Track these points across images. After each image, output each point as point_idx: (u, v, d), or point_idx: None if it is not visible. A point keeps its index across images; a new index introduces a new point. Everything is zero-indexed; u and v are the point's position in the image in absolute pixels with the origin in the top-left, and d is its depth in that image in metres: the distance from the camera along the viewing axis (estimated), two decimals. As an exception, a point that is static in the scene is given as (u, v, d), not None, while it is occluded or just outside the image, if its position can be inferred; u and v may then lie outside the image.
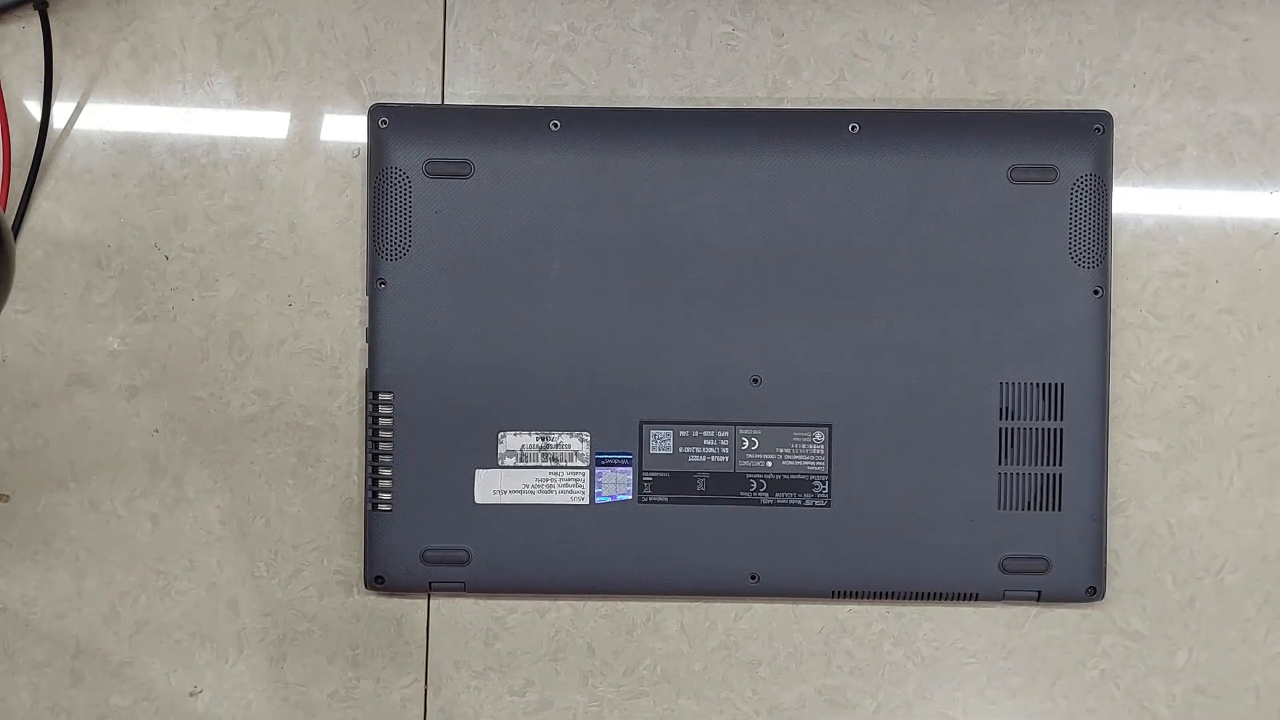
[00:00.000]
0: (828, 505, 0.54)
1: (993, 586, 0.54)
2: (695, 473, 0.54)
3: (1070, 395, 0.54)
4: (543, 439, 0.54)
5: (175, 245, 0.56)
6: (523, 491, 0.54)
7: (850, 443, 0.54)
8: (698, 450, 0.54)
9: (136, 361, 0.56)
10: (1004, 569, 0.54)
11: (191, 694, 0.56)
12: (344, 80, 0.56)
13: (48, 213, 0.56)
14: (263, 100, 0.56)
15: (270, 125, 0.56)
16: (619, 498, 0.54)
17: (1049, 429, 0.54)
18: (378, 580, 0.54)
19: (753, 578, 0.54)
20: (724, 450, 0.54)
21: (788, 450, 0.54)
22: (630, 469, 0.54)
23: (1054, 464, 0.54)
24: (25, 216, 0.55)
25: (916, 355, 0.54)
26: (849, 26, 0.56)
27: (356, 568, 0.56)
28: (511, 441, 0.54)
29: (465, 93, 0.56)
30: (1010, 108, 0.56)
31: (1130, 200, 0.56)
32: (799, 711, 0.56)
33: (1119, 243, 0.56)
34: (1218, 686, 0.56)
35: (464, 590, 0.55)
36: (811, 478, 0.54)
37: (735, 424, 0.54)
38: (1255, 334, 0.56)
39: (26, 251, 0.56)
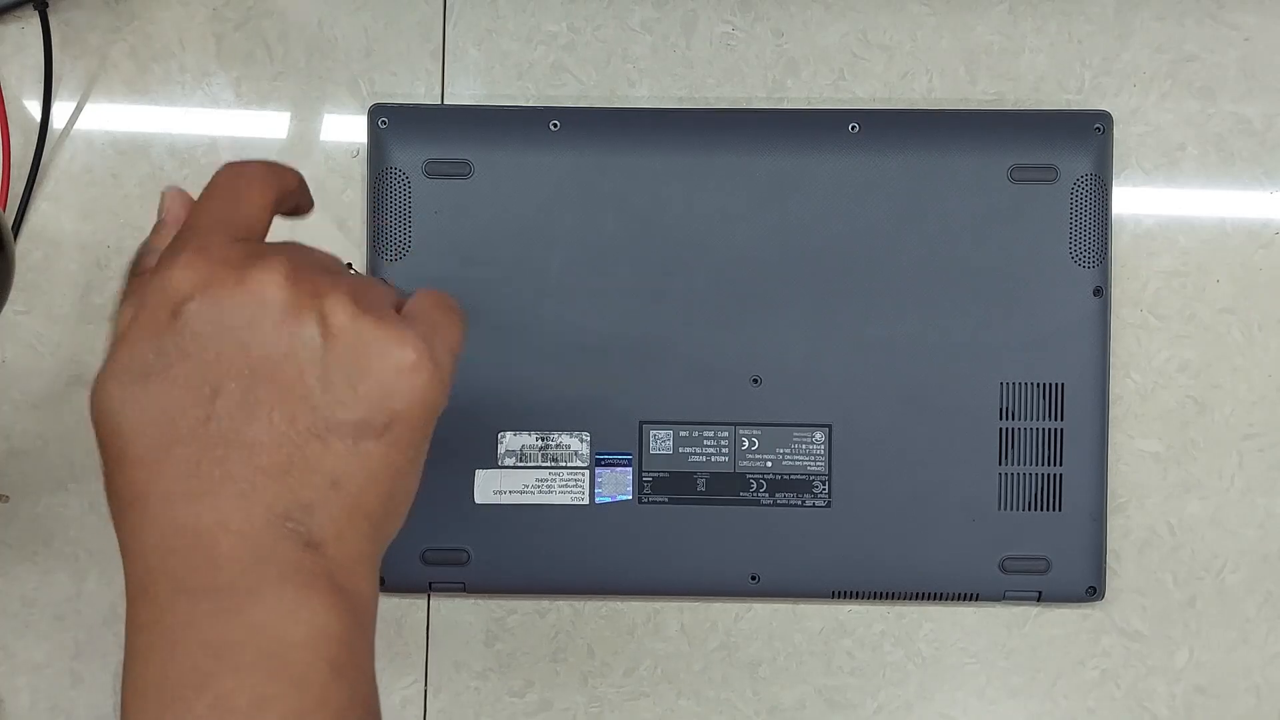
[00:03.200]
0: (828, 505, 0.54)
1: (993, 586, 0.54)
2: (695, 473, 0.54)
3: (1070, 395, 0.54)
4: (543, 439, 0.54)
5: (175, 245, 0.56)
6: (523, 492, 0.54)
7: (850, 443, 0.54)
8: (698, 450, 0.54)
9: (136, 362, 0.56)
10: (1004, 569, 0.54)
11: (191, 694, 0.56)
12: (343, 80, 0.56)
13: (47, 213, 0.56)
14: (262, 100, 0.56)
15: (270, 125, 0.56)
16: (619, 498, 0.54)
17: (1049, 429, 0.54)
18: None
19: (753, 578, 0.54)
20: (724, 450, 0.54)
21: (788, 450, 0.54)
22: (630, 469, 0.54)
23: (1054, 464, 0.54)
24: (25, 217, 0.55)
25: (916, 355, 0.54)
26: (849, 26, 0.56)
27: (356, 568, 0.56)
28: (511, 441, 0.54)
29: (465, 93, 0.56)
30: (1010, 108, 0.56)
31: (1130, 200, 0.56)
32: (799, 712, 0.55)
33: (1119, 243, 0.56)
34: (1218, 686, 0.56)
35: (464, 590, 0.55)
36: (811, 478, 0.54)
37: (735, 424, 0.54)
38: (1256, 334, 0.56)
39: (26, 251, 0.56)
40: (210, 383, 0.29)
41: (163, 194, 0.36)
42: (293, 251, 0.32)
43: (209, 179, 0.35)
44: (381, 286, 0.34)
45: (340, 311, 0.30)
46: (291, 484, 0.29)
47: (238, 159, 0.35)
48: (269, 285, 0.30)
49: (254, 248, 0.31)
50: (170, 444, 0.29)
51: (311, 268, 0.31)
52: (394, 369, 0.30)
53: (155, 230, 0.35)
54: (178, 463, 0.29)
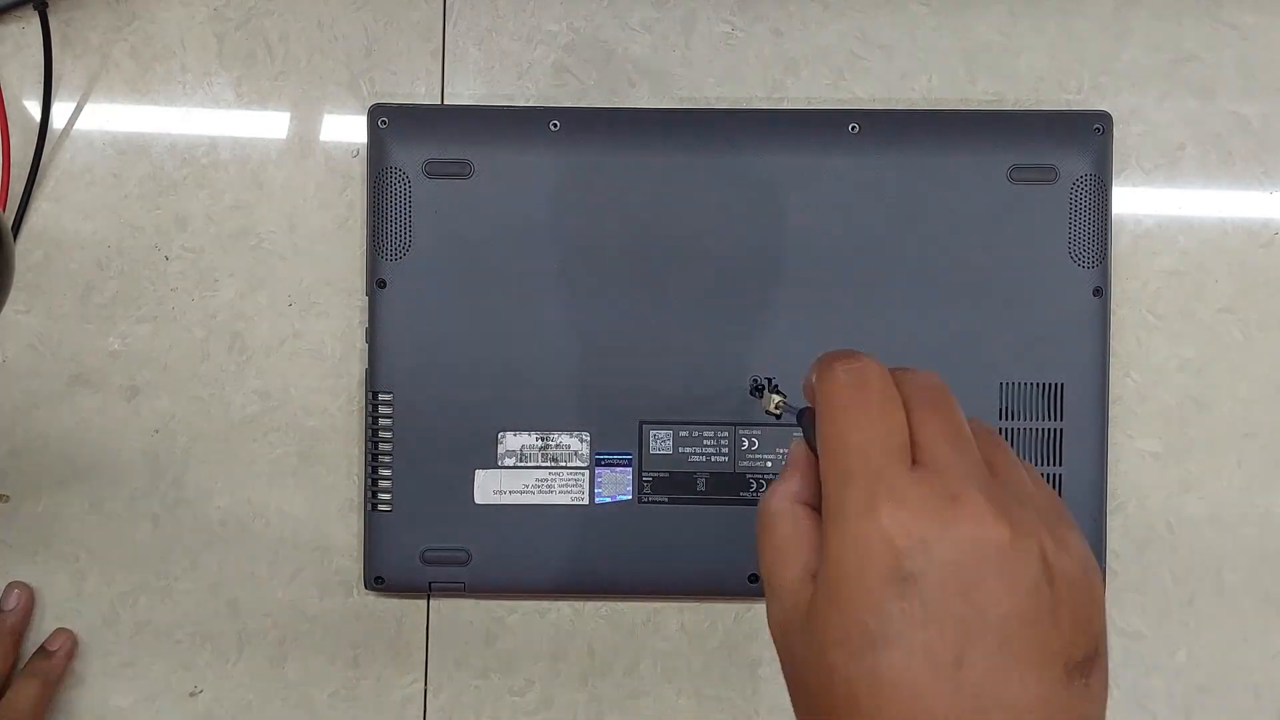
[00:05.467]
0: (828, 505, 0.54)
1: (993, 586, 0.54)
2: (695, 473, 0.54)
3: (1070, 395, 0.54)
4: (542, 439, 0.54)
5: (175, 246, 0.56)
6: (522, 492, 0.54)
7: (850, 442, 0.54)
8: (698, 450, 0.54)
9: (137, 362, 0.56)
10: (1004, 568, 0.54)
11: (192, 694, 0.56)
12: (344, 80, 0.56)
13: (48, 213, 0.56)
14: (263, 100, 0.56)
15: (270, 125, 0.56)
16: (619, 498, 0.54)
17: (1049, 429, 0.54)
18: (377, 581, 0.54)
19: (752, 579, 0.54)
20: (724, 450, 0.54)
21: (787, 450, 0.54)
22: (630, 469, 0.54)
23: (1054, 464, 0.54)
24: (25, 217, 0.55)
25: (916, 355, 0.54)
26: (848, 26, 0.56)
27: (356, 568, 0.56)
28: (511, 442, 0.54)
29: (465, 93, 0.56)
30: (1010, 108, 0.56)
31: (1130, 200, 0.56)
32: (799, 711, 0.55)
33: (1119, 243, 0.56)
34: (1218, 685, 0.56)
35: (464, 590, 0.55)
36: (811, 477, 0.54)
37: (735, 424, 0.54)
38: (1255, 333, 0.56)
39: (26, 251, 0.56)
40: (953, 649, 0.27)
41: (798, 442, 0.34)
42: (969, 466, 0.29)
43: (824, 393, 0.31)
44: (1014, 461, 0.31)
45: (1048, 546, 0.28)
46: None
47: (844, 365, 0.31)
48: (987, 535, 0.28)
49: (943, 485, 0.28)
50: (923, 715, 0.27)
51: (1003, 494, 0.29)
52: (1091, 592, 0.29)
53: (784, 467, 0.33)
54: None
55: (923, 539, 0.28)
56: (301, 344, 0.56)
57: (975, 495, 0.28)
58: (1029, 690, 0.27)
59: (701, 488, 0.54)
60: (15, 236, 0.55)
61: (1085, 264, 0.54)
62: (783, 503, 0.32)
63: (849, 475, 0.29)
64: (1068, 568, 0.28)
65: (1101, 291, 0.54)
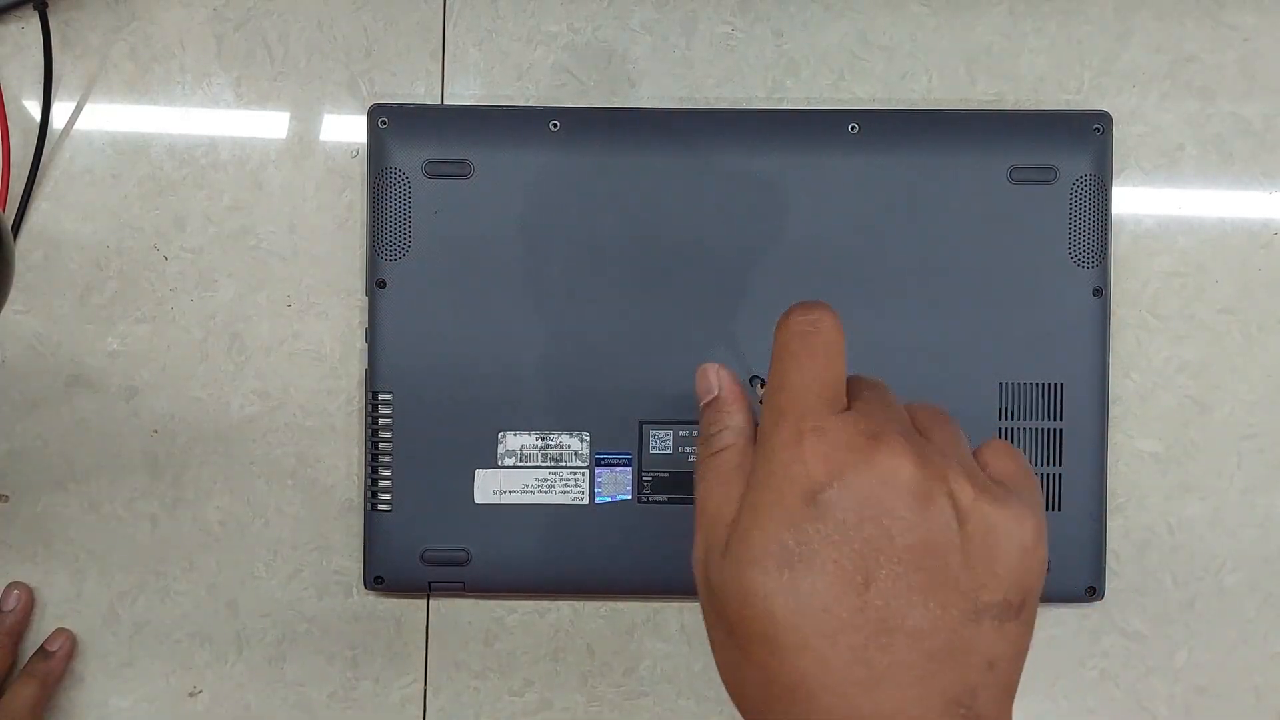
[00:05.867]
0: (828, 505, 0.54)
1: (993, 587, 0.54)
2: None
3: (1070, 395, 0.54)
4: (542, 439, 0.54)
5: (174, 246, 0.56)
6: (522, 492, 0.54)
7: (850, 443, 0.54)
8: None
9: (136, 362, 0.56)
10: (1004, 569, 0.54)
11: (191, 694, 0.56)
12: (343, 80, 0.56)
13: (47, 213, 0.56)
14: (262, 101, 0.56)
15: (269, 126, 0.56)
16: (619, 498, 0.54)
17: (1049, 429, 0.54)
18: (377, 581, 0.54)
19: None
20: (724, 450, 0.54)
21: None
22: (630, 469, 0.54)
23: (1054, 464, 0.54)
24: (25, 217, 0.55)
25: (916, 355, 0.54)
26: (849, 27, 0.56)
27: (356, 568, 0.56)
28: (511, 441, 0.54)
29: (465, 93, 0.56)
30: (1010, 108, 0.56)
31: (1130, 200, 0.56)
32: (799, 712, 0.55)
33: (1119, 243, 0.56)
34: (1218, 686, 0.56)
35: (463, 590, 0.55)
36: (811, 478, 0.54)
37: (735, 424, 0.54)
38: (1255, 334, 0.56)
39: (26, 252, 0.56)
40: (861, 570, 0.29)
41: (703, 369, 0.36)
42: (896, 420, 0.32)
43: (778, 341, 0.33)
44: (962, 441, 0.33)
45: (964, 492, 0.30)
46: (957, 668, 0.29)
47: (800, 315, 0.34)
48: (900, 469, 0.30)
49: (866, 425, 0.31)
50: (833, 632, 0.29)
51: (926, 446, 0.31)
52: (1019, 547, 0.30)
53: (715, 407, 0.35)
54: (844, 651, 0.29)
55: (840, 467, 0.30)
56: (301, 344, 0.56)
57: (895, 437, 0.30)
58: (931, 616, 0.29)
59: (701, 488, 0.54)
60: (15, 236, 0.55)
61: (1085, 264, 0.54)
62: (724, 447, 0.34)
63: (781, 412, 0.32)
64: (991, 518, 0.30)
65: (1101, 292, 0.54)
